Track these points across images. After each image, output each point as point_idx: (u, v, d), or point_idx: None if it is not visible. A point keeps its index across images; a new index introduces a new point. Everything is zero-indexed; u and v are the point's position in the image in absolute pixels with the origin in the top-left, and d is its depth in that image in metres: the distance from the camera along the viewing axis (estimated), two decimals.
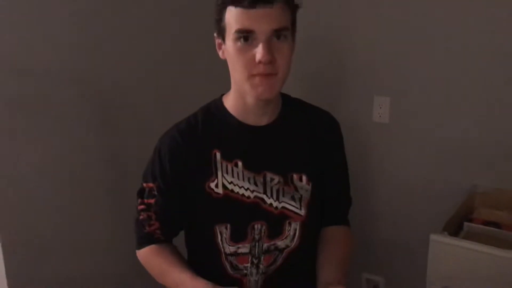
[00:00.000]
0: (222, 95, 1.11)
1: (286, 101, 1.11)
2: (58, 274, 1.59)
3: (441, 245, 1.57)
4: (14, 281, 1.46)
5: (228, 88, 1.08)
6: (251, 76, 0.95)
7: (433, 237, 1.58)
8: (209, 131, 1.05)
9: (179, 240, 1.18)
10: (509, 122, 1.86)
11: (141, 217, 1.10)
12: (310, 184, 1.07)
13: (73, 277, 1.64)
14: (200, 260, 1.13)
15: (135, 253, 1.16)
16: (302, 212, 1.07)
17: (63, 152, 1.56)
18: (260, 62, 0.92)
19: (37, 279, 1.53)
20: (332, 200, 1.15)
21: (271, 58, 0.93)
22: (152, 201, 1.07)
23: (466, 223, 1.73)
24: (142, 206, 1.09)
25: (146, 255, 1.11)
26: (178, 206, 1.08)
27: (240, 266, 1.07)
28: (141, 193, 1.10)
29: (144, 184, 1.09)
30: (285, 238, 1.07)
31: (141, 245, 1.12)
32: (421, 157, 2.11)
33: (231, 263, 1.07)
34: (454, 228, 1.71)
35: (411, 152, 2.14)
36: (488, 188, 1.90)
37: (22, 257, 1.49)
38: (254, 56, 0.93)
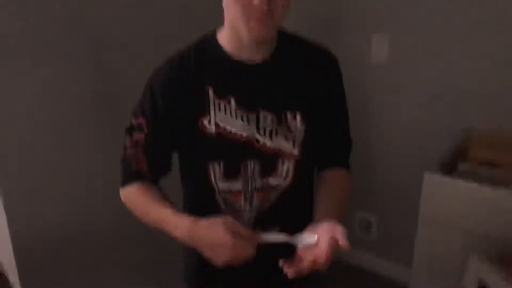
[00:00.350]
0: (215, 29, 1.06)
1: (283, 37, 1.06)
2: (56, 211, 1.61)
3: (435, 183, 1.59)
4: (15, 223, 1.49)
5: (222, 22, 1.03)
6: (247, 19, 0.91)
7: (428, 175, 1.60)
8: (202, 67, 1.02)
9: (173, 185, 1.19)
10: (508, 65, 1.83)
11: (128, 153, 1.07)
12: (304, 123, 1.05)
13: (71, 215, 1.67)
14: (195, 198, 1.12)
15: None
16: (296, 151, 1.05)
17: (57, 86, 1.54)
18: (258, 6, 0.89)
19: (36, 219, 1.56)
20: (332, 142, 1.13)
21: (269, 1, 0.89)
22: (141, 137, 1.05)
23: (461, 163, 1.74)
24: (130, 143, 1.07)
25: (130, 192, 1.09)
26: (168, 142, 1.06)
27: (234, 203, 1.07)
28: (129, 130, 1.07)
29: (133, 121, 1.06)
30: (278, 176, 1.06)
31: (126, 183, 1.10)
32: (419, 98, 2.09)
33: (224, 200, 1.07)
34: (449, 168, 1.72)
35: (409, 92, 2.11)
36: (485, 129, 1.90)
37: (21, 197, 1.50)
38: None
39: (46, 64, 1.50)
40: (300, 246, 0.90)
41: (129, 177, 1.09)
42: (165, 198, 1.06)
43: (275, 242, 0.93)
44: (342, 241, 0.85)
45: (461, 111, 1.99)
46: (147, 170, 1.07)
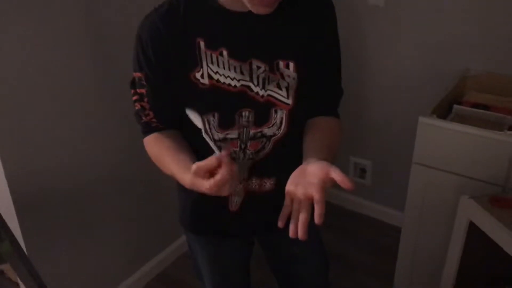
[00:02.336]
0: None
1: None
2: (52, 157, 1.62)
3: (429, 127, 1.59)
4: (10, 168, 1.49)
5: None
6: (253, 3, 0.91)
7: (422, 119, 1.59)
8: (191, 17, 0.98)
9: None
10: (505, 8, 1.80)
11: (136, 108, 1.08)
12: (297, 72, 1.02)
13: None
14: (191, 145, 1.12)
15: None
16: (290, 101, 1.03)
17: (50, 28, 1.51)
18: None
19: (32, 165, 1.56)
20: (322, 90, 1.10)
21: None
22: (143, 90, 1.04)
23: (455, 106, 1.73)
24: (136, 97, 1.07)
25: (146, 143, 1.11)
26: (169, 93, 1.05)
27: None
28: (133, 84, 1.06)
29: (134, 74, 1.05)
30: (272, 126, 1.05)
31: (143, 134, 1.12)
32: (415, 41, 2.06)
33: (220, 148, 1.07)
34: (444, 111, 1.72)
35: (405, 35, 2.07)
36: (480, 72, 1.88)
37: (17, 143, 1.50)
38: None
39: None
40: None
41: (143, 129, 1.11)
42: (176, 146, 1.06)
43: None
44: (340, 178, 0.81)
45: (457, 56, 1.96)
46: (156, 121, 1.08)
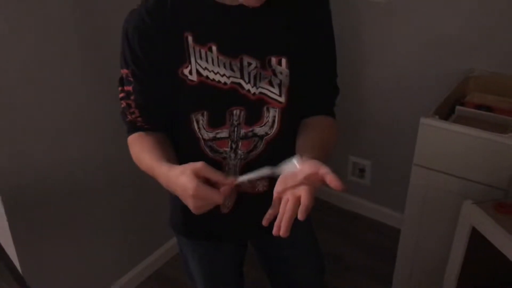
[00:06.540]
0: None
1: None
2: (42, 155, 1.58)
3: (431, 128, 1.55)
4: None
5: None
6: None
7: (424, 120, 1.56)
8: (179, 10, 0.95)
9: None
10: (510, 7, 1.76)
11: (122, 105, 1.04)
12: (290, 68, 0.98)
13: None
14: (180, 146, 1.08)
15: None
16: (282, 99, 1.00)
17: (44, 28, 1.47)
18: None
19: (22, 163, 1.52)
20: (316, 88, 1.06)
21: None
22: (130, 88, 1.00)
23: (458, 107, 1.69)
24: (122, 94, 1.03)
25: (130, 143, 1.07)
26: (156, 91, 1.01)
27: (220, 149, 1.04)
28: (121, 81, 1.03)
29: (121, 71, 1.02)
30: (264, 125, 1.02)
31: (127, 132, 1.08)
32: (417, 39, 2.02)
33: (210, 147, 1.04)
34: (446, 112, 1.68)
35: (407, 33, 2.03)
36: (484, 72, 1.85)
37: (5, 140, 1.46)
38: None
39: None
40: (282, 174, 0.85)
41: (128, 128, 1.06)
42: (160, 146, 1.01)
43: (255, 179, 0.87)
44: (330, 179, 0.77)
45: (460, 55, 1.93)
46: (141, 120, 1.03)
